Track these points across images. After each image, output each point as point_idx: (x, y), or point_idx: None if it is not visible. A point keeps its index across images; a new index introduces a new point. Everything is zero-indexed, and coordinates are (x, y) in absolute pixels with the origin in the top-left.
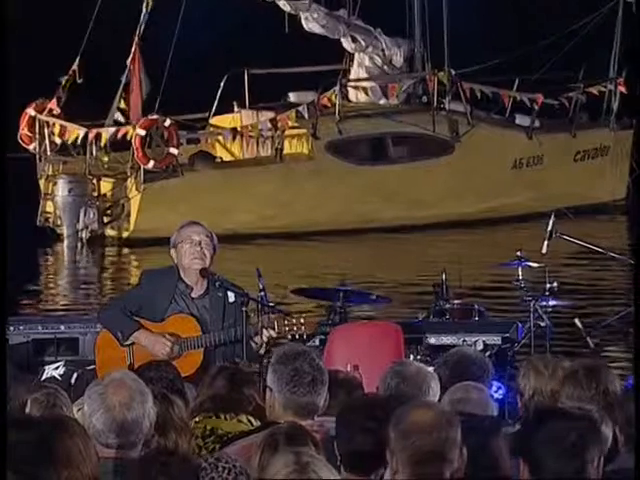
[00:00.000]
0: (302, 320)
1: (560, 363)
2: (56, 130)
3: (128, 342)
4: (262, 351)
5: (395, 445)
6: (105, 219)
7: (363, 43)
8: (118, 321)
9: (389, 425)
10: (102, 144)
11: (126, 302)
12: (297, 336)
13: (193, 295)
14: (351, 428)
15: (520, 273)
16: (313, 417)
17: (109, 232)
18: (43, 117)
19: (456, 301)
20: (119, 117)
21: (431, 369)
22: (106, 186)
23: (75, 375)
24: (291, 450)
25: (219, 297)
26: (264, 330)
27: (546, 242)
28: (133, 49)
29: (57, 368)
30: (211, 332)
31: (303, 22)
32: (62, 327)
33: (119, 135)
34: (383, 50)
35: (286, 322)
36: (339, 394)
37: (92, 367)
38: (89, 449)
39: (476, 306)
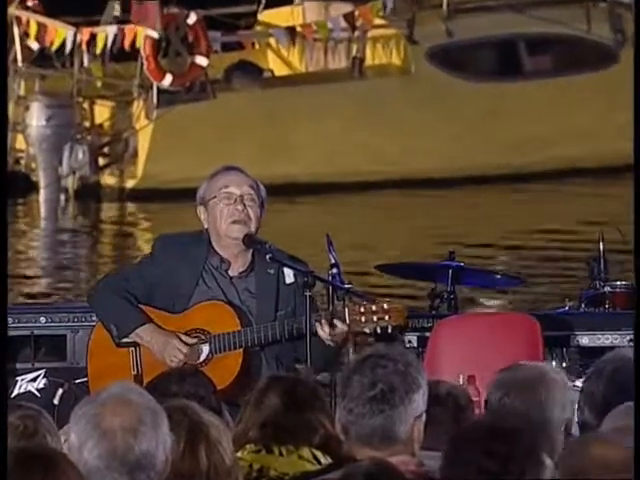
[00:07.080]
0: (385, 305)
1: None
2: (32, 30)
3: (128, 340)
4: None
5: None
6: (101, 161)
7: None
8: (114, 309)
9: (518, 461)
10: (97, 51)
11: (130, 281)
12: (378, 329)
13: (232, 273)
14: (462, 468)
15: None
16: (411, 451)
17: (107, 180)
18: (13, 11)
19: (619, 282)
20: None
21: (579, 383)
22: (102, 112)
23: (60, 391)
24: None
25: (270, 276)
26: (324, 322)
27: None
28: None
29: (35, 380)
30: (255, 325)
31: None
32: (42, 320)
33: (123, 38)
34: None
35: (362, 309)
36: (438, 417)
37: (84, 380)
38: None
39: None
